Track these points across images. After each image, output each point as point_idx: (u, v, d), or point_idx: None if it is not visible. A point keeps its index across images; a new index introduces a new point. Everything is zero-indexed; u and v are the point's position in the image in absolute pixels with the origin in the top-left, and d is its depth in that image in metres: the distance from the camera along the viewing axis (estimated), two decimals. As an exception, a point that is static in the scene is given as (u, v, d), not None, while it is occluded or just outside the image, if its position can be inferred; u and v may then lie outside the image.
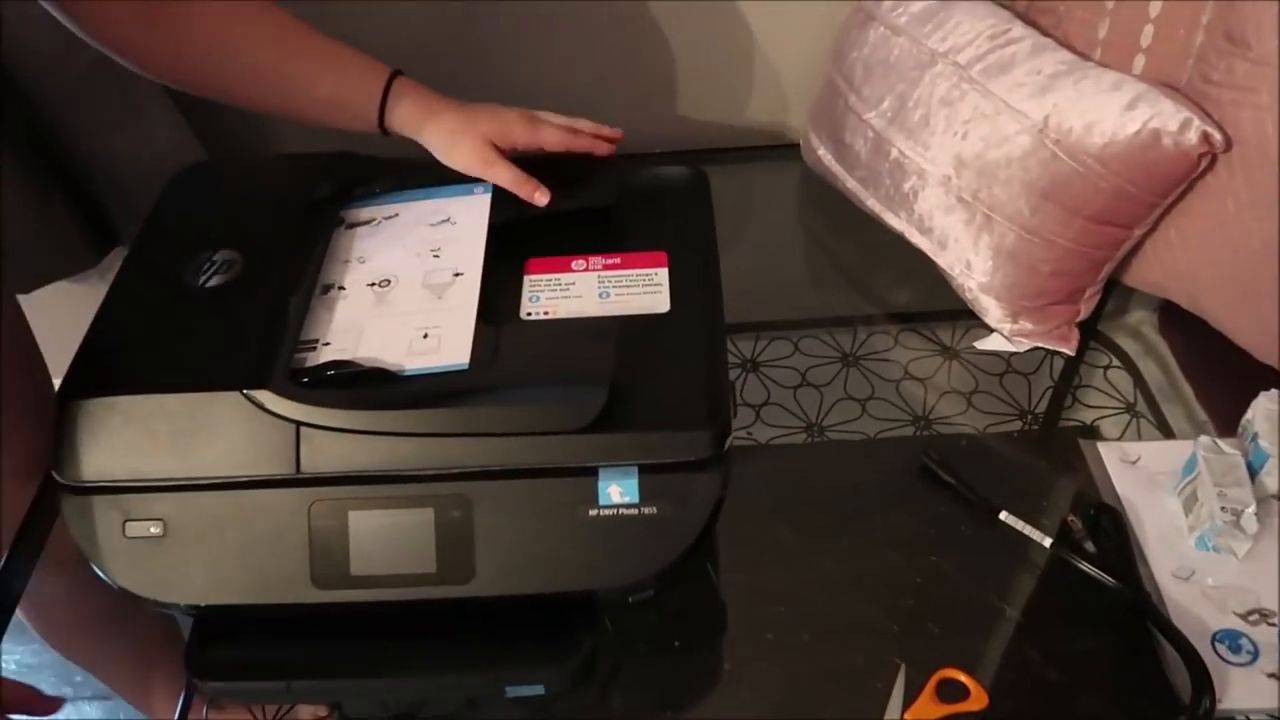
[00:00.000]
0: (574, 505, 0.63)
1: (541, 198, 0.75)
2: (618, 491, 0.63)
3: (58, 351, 0.68)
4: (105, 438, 0.63)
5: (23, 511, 0.75)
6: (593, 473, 0.63)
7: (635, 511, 0.63)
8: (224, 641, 0.66)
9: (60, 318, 0.83)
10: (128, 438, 0.63)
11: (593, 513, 0.63)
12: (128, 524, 0.63)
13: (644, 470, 0.63)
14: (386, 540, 0.63)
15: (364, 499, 0.63)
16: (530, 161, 0.76)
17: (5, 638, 0.71)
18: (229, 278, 0.71)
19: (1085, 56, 0.87)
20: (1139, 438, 0.86)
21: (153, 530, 0.63)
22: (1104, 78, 0.81)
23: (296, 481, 0.63)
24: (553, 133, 0.77)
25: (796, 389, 0.90)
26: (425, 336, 0.68)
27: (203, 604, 0.64)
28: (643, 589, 0.66)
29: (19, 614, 0.75)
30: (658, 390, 0.65)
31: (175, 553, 0.63)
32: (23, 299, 0.96)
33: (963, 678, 0.68)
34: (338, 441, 0.62)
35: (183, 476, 0.63)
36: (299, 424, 0.62)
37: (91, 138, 0.89)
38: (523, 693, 0.67)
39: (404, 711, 0.71)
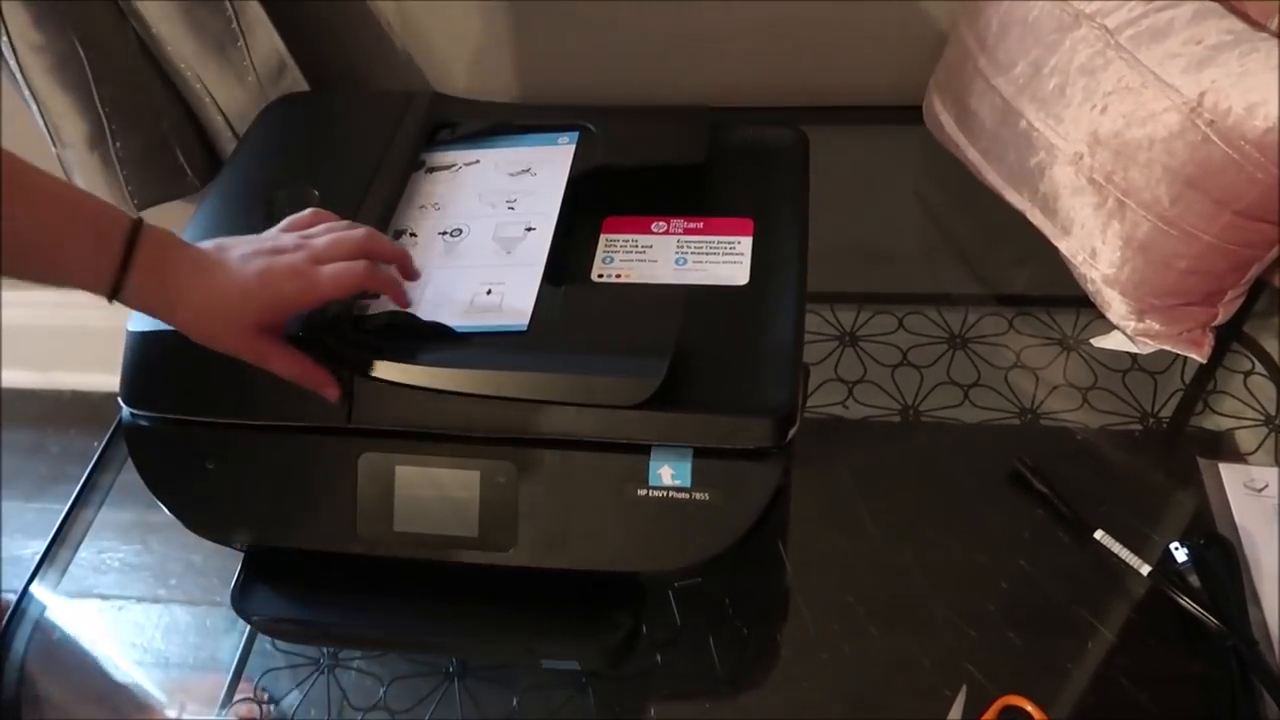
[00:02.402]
0: (623, 483, 0.60)
1: (333, 393, 0.61)
2: (669, 473, 0.60)
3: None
4: (166, 370, 0.64)
5: None
6: (645, 451, 0.60)
7: (686, 496, 0.60)
8: (269, 580, 0.67)
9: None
10: (187, 372, 0.63)
11: (641, 493, 0.60)
12: (185, 457, 0.64)
13: (699, 454, 0.60)
14: (431, 499, 0.62)
15: (411, 455, 0.62)
16: (604, 114, 0.72)
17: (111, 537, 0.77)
18: (303, 217, 0.70)
19: (1260, 26, 0.76)
20: (1275, 455, 0.77)
21: (208, 465, 0.64)
22: (1276, 52, 0.71)
23: (347, 431, 0.62)
24: (333, 285, 0.59)
25: (896, 368, 0.85)
26: (489, 293, 0.66)
27: (251, 544, 0.65)
28: (688, 576, 0.63)
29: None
30: (723, 371, 0.61)
31: (228, 490, 0.64)
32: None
33: (1029, 707, 0.63)
34: (389, 395, 0.61)
35: (239, 416, 0.63)
36: (353, 374, 0.61)
37: (198, 62, 0.89)
38: (558, 667, 0.66)
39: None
